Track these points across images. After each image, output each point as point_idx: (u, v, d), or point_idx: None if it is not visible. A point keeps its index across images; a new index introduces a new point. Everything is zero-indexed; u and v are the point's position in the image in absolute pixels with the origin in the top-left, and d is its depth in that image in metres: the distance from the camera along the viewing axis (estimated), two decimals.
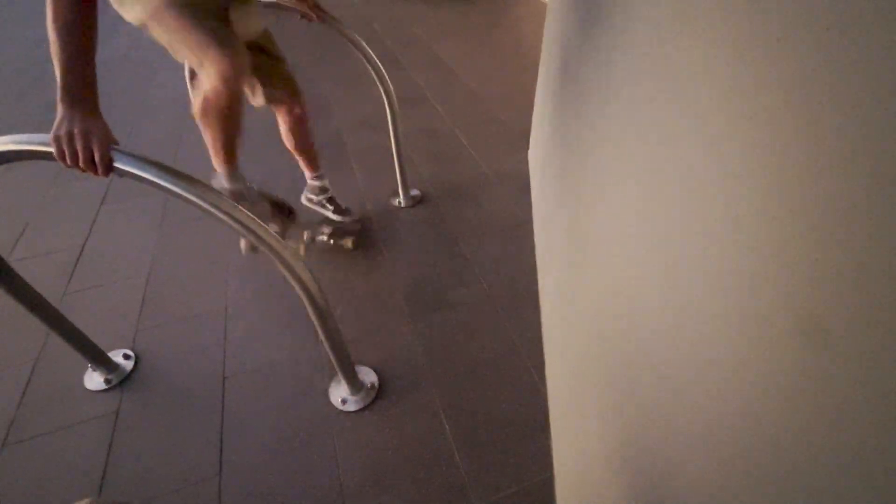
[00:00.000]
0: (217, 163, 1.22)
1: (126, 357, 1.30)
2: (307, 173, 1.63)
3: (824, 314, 0.27)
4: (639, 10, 0.61)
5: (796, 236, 0.30)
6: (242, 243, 1.32)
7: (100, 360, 1.23)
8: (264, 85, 1.30)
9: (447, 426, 1.11)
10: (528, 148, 2.04)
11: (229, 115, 1.13)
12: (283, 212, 1.28)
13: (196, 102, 1.13)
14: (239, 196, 1.26)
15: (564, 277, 1.01)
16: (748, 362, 0.35)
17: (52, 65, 0.71)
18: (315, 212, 1.63)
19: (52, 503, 1.02)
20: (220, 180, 1.26)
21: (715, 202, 0.40)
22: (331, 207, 1.65)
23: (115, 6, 1.02)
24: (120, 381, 1.24)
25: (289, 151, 1.56)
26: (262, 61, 1.26)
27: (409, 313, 1.39)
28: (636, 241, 0.58)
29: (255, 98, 1.34)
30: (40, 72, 3.16)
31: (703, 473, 0.41)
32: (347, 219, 1.66)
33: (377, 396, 1.17)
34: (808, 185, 0.29)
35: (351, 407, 1.15)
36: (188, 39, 1.01)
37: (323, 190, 1.65)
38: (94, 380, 1.24)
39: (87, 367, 1.25)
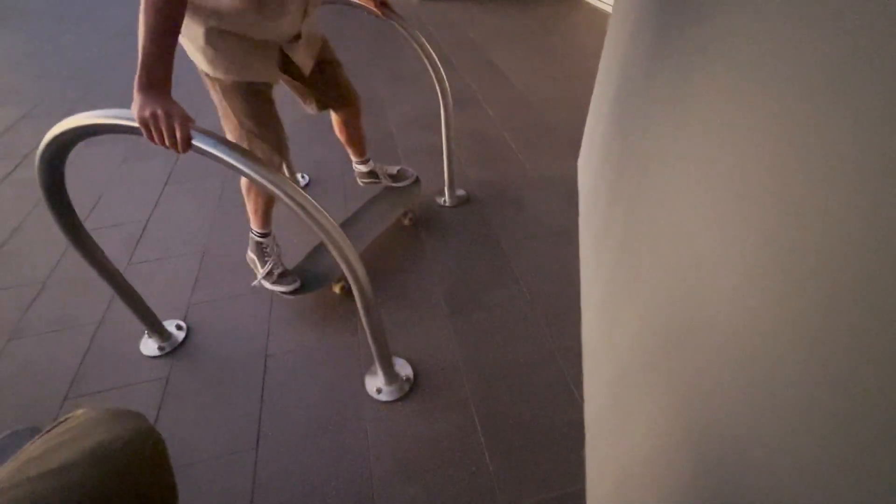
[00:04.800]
0: (254, 224, 1.35)
1: (179, 328, 1.37)
2: (354, 158, 1.70)
3: None
4: (718, 23, 0.59)
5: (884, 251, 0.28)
6: (336, 288, 1.42)
7: (155, 328, 1.31)
8: (320, 97, 1.37)
9: (479, 426, 1.10)
10: (577, 155, 2.01)
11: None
12: (287, 281, 1.37)
13: (243, 179, 1.26)
14: (261, 251, 1.38)
15: (612, 287, 0.99)
16: (828, 380, 0.33)
17: (128, 56, 0.77)
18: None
19: None
20: (253, 236, 1.38)
21: (800, 214, 0.38)
22: (388, 181, 1.74)
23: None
24: (172, 350, 1.32)
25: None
26: (320, 75, 1.31)
27: (447, 311, 1.39)
28: (702, 254, 0.56)
29: (310, 107, 1.40)
30: (116, 61, 3.40)
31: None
32: (407, 180, 1.76)
33: (411, 389, 1.18)
34: None
35: (385, 397, 1.17)
36: (239, 129, 1.12)
37: (371, 174, 1.72)
38: (149, 346, 1.32)
39: (144, 334, 1.33)
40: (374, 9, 1.32)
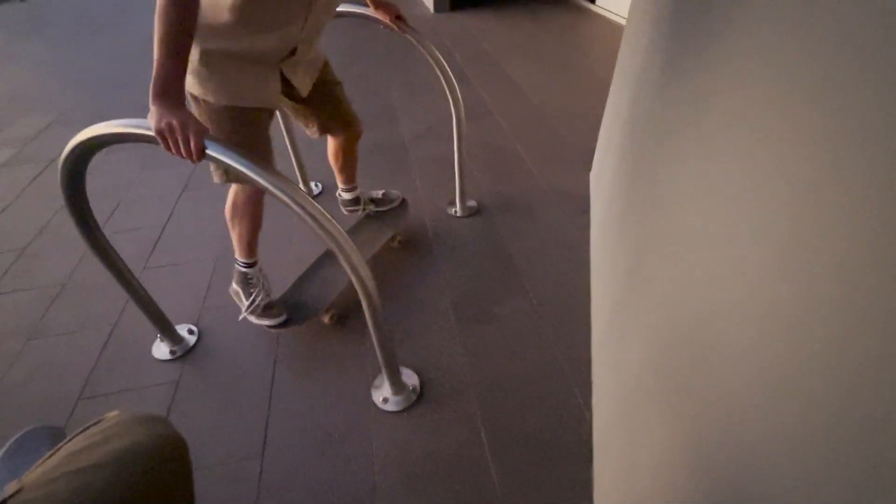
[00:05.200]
0: (239, 254, 1.31)
1: (190, 332, 1.39)
2: (342, 185, 1.64)
3: None
4: (735, 35, 0.59)
5: None
6: (326, 318, 1.38)
7: (168, 332, 1.33)
8: (321, 119, 1.34)
9: (485, 439, 1.09)
10: (590, 168, 2.00)
11: (253, 218, 1.24)
12: (273, 314, 1.33)
13: (228, 203, 1.24)
14: (246, 282, 1.32)
15: (622, 301, 0.98)
16: (846, 403, 0.32)
17: (150, 65, 0.78)
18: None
19: None
20: (238, 267, 1.33)
21: (817, 229, 0.37)
22: (373, 208, 1.70)
23: None
24: (183, 354, 1.33)
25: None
26: (320, 96, 1.29)
27: (455, 321, 1.39)
28: (713, 268, 0.55)
29: (311, 131, 1.38)
30: (140, 70, 3.51)
31: None
32: (393, 203, 1.73)
33: (417, 400, 1.18)
34: None
35: (391, 407, 1.16)
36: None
37: (355, 202, 1.67)
38: (161, 350, 1.34)
39: (156, 338, 1.35)
40: (390, 23, 1.35)
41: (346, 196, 1.67)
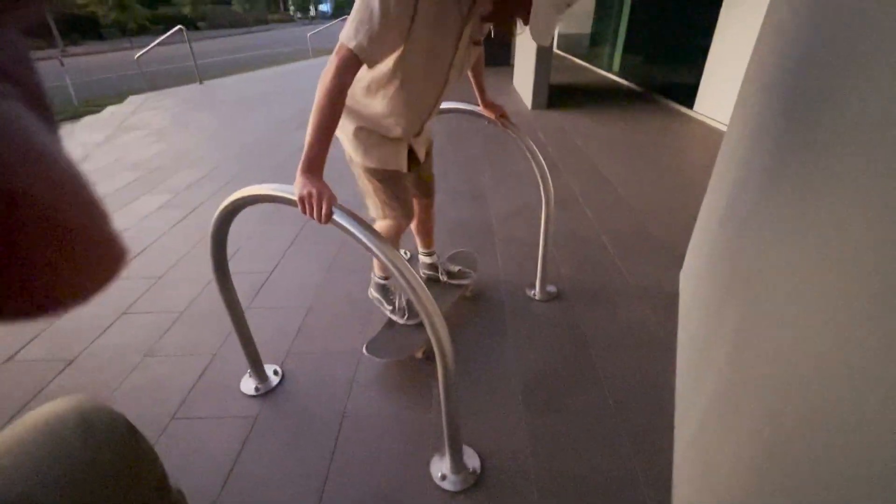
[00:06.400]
0: (378, 271, 1.59)
1: (275, 373, 1.50)
2: (421, 249, 1.81)
3: None
4: (842, 156, 0.60)
5: None
6: (420, 353, 1.53)
7: (257, 369, 1.45)
8: (413, 185, 1.51)
9: None
10: (680, 266, 1.93)
11: (394, 245, 1.45)
12: (416, 313, 1.50)
13: (378, 226, 1.42)
14: (386, 292, 1.60)
15: (714, 410, 0.90)
16: None
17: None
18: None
19: (189, 476, 1.18)
20: (377, 280, 1.59)
21: None
22: (444, 279, 1.80)
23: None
24: (265, 392, 1.44)
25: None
26: (419, 166, 1.47)
27: (523, 407, 1.35)
28: (821, 382, 0.52)
29: None
30: (277, 141, 4.17)
31: None
32: (466, 280, 1.81)
33: (476, 483, 1.14)
34: None
35: (448, 486, 1.13)
36: (378, 201, 1.36)
37: (433, 267, 1.81)
38: (248, 385, 1.46)
39: (246, 373, 1.48)
40: (495, 119, 1.51)
41: (426, 260, 1.81)
